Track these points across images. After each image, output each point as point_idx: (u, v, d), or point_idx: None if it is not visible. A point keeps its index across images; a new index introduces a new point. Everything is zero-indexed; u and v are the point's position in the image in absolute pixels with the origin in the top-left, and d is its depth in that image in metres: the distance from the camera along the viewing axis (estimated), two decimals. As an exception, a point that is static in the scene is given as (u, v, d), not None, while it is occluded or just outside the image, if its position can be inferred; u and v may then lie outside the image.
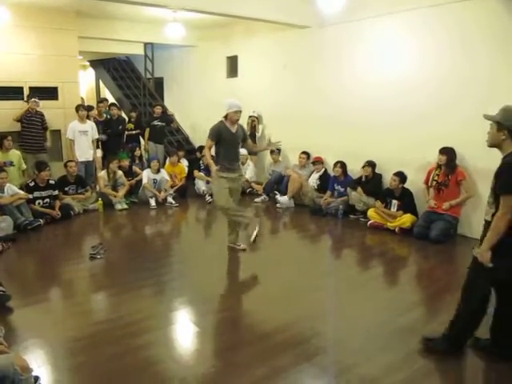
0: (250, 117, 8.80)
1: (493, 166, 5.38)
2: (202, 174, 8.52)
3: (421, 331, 3.48)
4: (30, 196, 6.35)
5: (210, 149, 5.27)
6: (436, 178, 5.93)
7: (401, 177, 6.21)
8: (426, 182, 6.11)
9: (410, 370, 3.03)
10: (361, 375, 2.97)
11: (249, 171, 8.43)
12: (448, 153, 5.79)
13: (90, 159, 7.94)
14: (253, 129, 8.77)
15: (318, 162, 7.62)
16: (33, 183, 6.51)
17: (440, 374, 3.06)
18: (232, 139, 5.18)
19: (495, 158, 5.14)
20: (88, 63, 13.57)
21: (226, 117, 5.15)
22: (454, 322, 3.15)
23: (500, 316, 3.14)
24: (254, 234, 5.25)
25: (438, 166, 5.92)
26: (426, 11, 6.09)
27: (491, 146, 2.99)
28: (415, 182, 6.31)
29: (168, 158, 8.87)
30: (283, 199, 7.53)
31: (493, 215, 2.88)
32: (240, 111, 5.13)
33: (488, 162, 5.57)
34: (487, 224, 2.94)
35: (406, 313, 3.91)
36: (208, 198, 7.94)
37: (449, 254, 5.55)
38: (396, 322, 3.71)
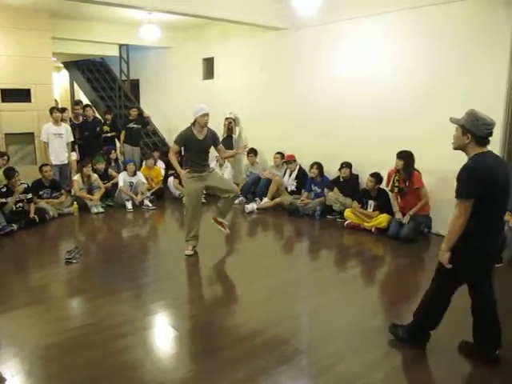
0: (227, 118, 8.80)
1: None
2: (177, 182, 8.45)
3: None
4: (3, 200, 6.23)
5: (175, 154, 5.31)
6: (397, 183, 5.97)
7: (377, 178, 6.30)
8: (388, 184, 6.17)
9: (388, 368, 3.07)
10: (339, 375, 3.00)
11: (226, 173, 8.41)
12: (405, 157, 5.84)
13: (65, 162, 7.81)
14: (230, 130, 8.76)
15: (291, 160, 7.65)
16: (5, 189, 6.36)
17: (417, 373, 3.11)
18: (198, 146, 5.18)
19: (465, 160, 5.20)
20: (62, 65, 13.36)
21: (194, 122, 5.15)
22: (416, 315, 3.27)
23: (474, 315, 3.19)
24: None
25: (397, 171, 5.98)
26: (403, 14, 6.19)
27: (456, 148, 3.06)
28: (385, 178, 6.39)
29: (144, 161, 8.79)
30: (250, 206, 7.47)
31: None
32: (207, 114, 5.12)
33: (460, 164, 5.75)
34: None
35: (382, 312, 3.98)
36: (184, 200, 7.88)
37: (423, 253, 5.67)
38: (373, 322, 3.76)
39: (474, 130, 2.89)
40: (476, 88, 5.56)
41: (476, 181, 2.83)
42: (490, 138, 2.96)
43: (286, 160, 7.76)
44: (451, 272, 2.97)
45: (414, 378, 3.02)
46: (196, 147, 5.18)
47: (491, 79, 5.44)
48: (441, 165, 5.99)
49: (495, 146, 5.45)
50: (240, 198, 8.04)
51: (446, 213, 5.97)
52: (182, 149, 5.32)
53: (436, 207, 6.03)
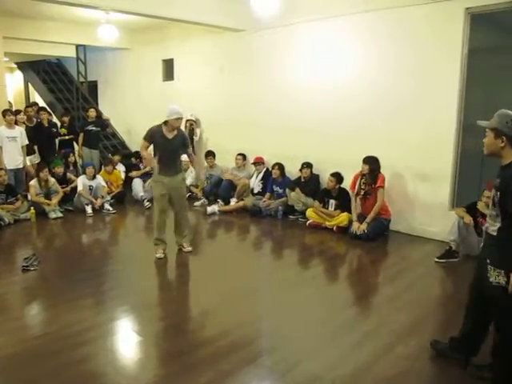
0: (188, 120, 8.74)
1: (425, 168, 5.66)
2: (136, 172, 8.42)
3: (359, 326, 3.64)
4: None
5: (145, 149, 5.24)
6: (363, 186, 6.06)
7: (337, 177, 6.41)
8: (353, 188, 6.19)
9: (353, 364, 3.13)
10: (306, 372, 3.03)
11: (190, 178, 8.34)
12: (371, 162, 5.94)
13: (20, 166, 7.54)
14: (191, 132, 8.71)
15: (259, 162, 7.69)
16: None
17: (382, 366, 3.17)
18: (166, 145, 5.13)
19: (421, 159, 5.42)
20: (15, 65, 12.94)
21: (166, 122, 5.10)
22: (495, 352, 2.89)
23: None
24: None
25: (363, 175, 6.08)
26: (360, 17, 6.31)
27: (489, 154, 2.77)
28: (350, 181, 6.51)
29: (103, 166, 8.62)
30: (211, 209, 7.43)
31: (500, 229, 2.66)
32: (181, 118, 5.12)
33: (418, 162, 5.94)
34: (493, 239, 2.73)
35: (345, 309, 4.05)
36: (147, 203, 7.80)
37: (383, 251, 5.81)
38: (336, 319, 3.82)
39: (508, 132, 2.64)
40: (430, 89, 5.76)
41: None
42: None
43: (254, 162, 7.78)
44: None
45: (380, 372, 3.08)
46: (163, 146, 5.12)
47: (444, 81, 5.64)
48: (395, 162, 6.17)
49: (448, 145, 5.69)
50: (202, 200, 8.02)
51: (403, 211, 6.21)
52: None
53: (394, 204, 6.20)
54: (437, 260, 5.14)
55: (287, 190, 7.08)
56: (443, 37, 5.60)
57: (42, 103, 10.91)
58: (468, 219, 5.01)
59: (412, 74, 5.90)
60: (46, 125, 8.50)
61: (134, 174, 8.47)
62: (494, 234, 2.71)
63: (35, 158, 8.09)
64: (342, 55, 6.65)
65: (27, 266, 4.91)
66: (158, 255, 5.26)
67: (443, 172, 5.78)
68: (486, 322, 2.97)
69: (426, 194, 5.98)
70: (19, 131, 7.50)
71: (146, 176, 8.35)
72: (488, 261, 2.69)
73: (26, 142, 7.65)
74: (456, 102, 5.57)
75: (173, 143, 5.16)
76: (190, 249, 5.50)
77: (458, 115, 5.61)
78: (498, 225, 2.68)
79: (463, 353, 3.09)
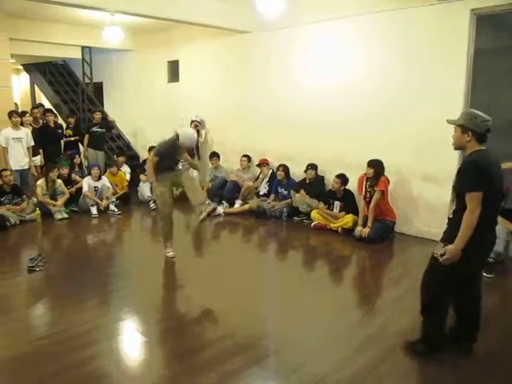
0: (193, 121, 8.75)
1: (430, 169, 5.65)
2: (146, 176, 8.40)
3: (364, 328, 3.63)
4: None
5: (154, 164, 5.24)
6: (370, 189, 6.01)
7: (342, 179, 6.39)
8: (360, 191, 6.16)
9: (358, 365, 3.12)
10: (311, 373, 3.03)
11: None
12: (376, 166, 5.92)
13: (26, 167, 7.58)
14: (196, 133, 8.71)
15: (264, 163, 7.68)
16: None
17: (386, 368, 3.16)
18: (175, 156, 5.30)
19: (426, 161, 5.39)
20: (21, 67, 13.00)
21: (177, 138, 5.15)
22: (424, 324, 3.29)
23: (461, 309, 3.32)
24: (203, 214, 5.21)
25: (368, 178, 6.05)
26: (369, 17, 6.28)
27: (457, 148, 3.16)
28: (356, 184, 6.50)
29: (108, 167, 8.64)
30: (217, 210, 7.41)
31: (454, 212, 3.03)
32: (192, 147, 5.25)
33: (422, 164, 5.91)
34: (449, 221, 3.08)
35: (350, 310, 4.04)
36: (152, 204, 7.82)
37: (388, 253, 5.79)
38: (341, 320, 3.81)
39: (473, 128, 2.96)
40: (436, 90, 5.73)
41: (481, 174, 2.89)
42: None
43: (259, 163, 7.77)
44: (454, 269, 3.00)
45: (383, 374, 3.08)
46: (173, 156, 5.28)
47: (450, 82, 5.61)
48: (400, 163, 6.15)
49: (453, 150, 5.65)
50: (206, 202, 8.01)
51: (408, 212, 6.18)
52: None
53: (399, 206, 6.19)
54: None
55: (292, 192, 7.07)
56: (449, 38, 5.57)
57: (48, 105, 10.96)
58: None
59: (418, 76, 5.87)
60: (52, 125, 8.53)
61: (143, 178, 8.43)
62: (451, 216, 3.08)
63: (37, 161, 8.12)
64: (348, 57, 6.63)
65: (33, 267, 4.93)
66: (169, 254, 5.32)
67: (448, 173, 5.73)
68: (467, 302, 3.29)
69: (430, 195, 5.95)
70: (25, 132, 7.54)
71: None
72: (440, 238, 3.08)
73: (32, 143, 7.68)
74: (462, 103, 5.55)
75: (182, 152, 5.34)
76: (202, 217, 5.23)
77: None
78: (454, 208, 3.04)
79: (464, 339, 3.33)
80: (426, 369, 3.15)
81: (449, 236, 3.02)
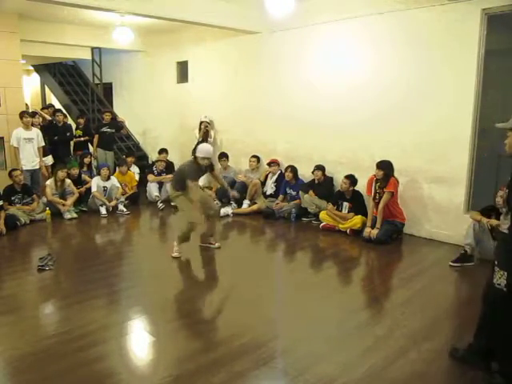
0: (202, 122, 8.78)
1: (440, 171, 5.60)
2: (154, 176, 8.43)
3: (373, 329, 3.61)
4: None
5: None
6: (378, 190, 5.96)
7: (351, 179, 6.37)
8: (369, 192, 6.10)
9: (366, 367, 3.10)
10: (318, 374, 3.01)
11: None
12: (385, 167, 5.87)
13: (37, 167, 7.65)
14: (205, 134, 8.74)
15: (274, 163, 7.67)
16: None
17: (395, 370, 3.14)
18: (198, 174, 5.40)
19: (436, 162, 5.36)
20: (32, 68, 13.11)
21: (195, 157, 5.28)
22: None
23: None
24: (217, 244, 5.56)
25: (377, 180, 6.00)
26: (378, 18, 6.25)
27: None
28: (365, 185, 6.47)
29: (117, 167, 8.69)
30: (224, 210, 7.44)
31: (509, 228, 2.65)
32: (208, 158, 5.23)
33: (432, 165, 5.88)
34: (503, 236, 2.74)
35: (358, 312, 4.02)
36: (160, 204, 7.85)
37: (397, 254, 5.76)
38: (349, 322, 3.79)
39: None
40: (446, 90, 5.70)
41: None
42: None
43: (269, 162, 7.77)
44: None
45: (393, 376, 3.05)
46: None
47: (460, 82, 5.57)
48: (409, 165, 6.11)
49: (464, 148, 5.62)
50: (215, 202, 8.03)
51: (418, 214, 6.15)
52: None
53: (408, 207, 6.15)
54: (451, 264, 5.08)
55: (301, 193, 7.05)
56: (459, 38, 5.53)
57: (58, 105, 11.04)
58: (485, 220, 4.91)
59: (428, 76, 5.84)
60: (60, 124, 8.58)
61: (150, 178, 8.45)
62: (506, 231, 2.69)
63: (48, 160, 8.18)
64: (357, 57, 6.60)
65: (42, 266, 4.96)
66: (175, 254, 5.34)
67: (458, 175, 5.71)
68: None
69: (440, 196, 5.91)
70: (36, 133, 7.62)
71: (160, 174, 8.43)
72: (496, 262, 2.67)
73: (43, 143, 7.77)
74: (472, 104, 5.50)
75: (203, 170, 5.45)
76: (218, 244, 5.70)
77: (473, 117, 5.54)
78: (508, 222, 2.65)
79: (483, 357, 3.01)
80: (436, 372, 3.12)
81: (508, 259, 2.62)
